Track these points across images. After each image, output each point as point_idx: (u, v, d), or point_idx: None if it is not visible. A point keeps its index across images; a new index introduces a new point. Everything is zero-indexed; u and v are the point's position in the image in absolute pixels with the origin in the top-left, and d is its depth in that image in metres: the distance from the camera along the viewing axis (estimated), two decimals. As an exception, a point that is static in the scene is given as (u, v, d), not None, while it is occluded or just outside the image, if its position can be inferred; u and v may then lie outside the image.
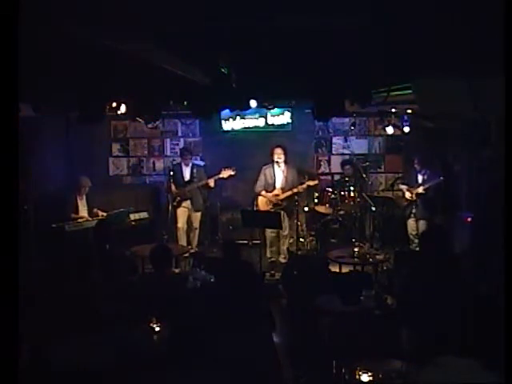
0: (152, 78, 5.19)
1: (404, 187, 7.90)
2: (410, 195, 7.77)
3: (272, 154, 7.94)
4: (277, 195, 7.91)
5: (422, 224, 7.64)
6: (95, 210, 7.70)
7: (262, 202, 8.00)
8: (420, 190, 7.65)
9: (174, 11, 3.08)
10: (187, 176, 8.20)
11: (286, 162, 7.97)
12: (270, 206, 7.89)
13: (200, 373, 3.69)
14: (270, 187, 7.97)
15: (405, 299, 4.65)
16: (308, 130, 9.27)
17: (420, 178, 7.76)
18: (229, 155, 8.78)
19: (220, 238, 8.87)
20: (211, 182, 8.04)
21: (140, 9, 2.94)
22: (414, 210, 7.79)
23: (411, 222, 7.85)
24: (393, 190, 8.73)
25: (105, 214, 7.58)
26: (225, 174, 8.02)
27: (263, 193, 8.00)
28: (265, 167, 8.06)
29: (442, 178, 7.50)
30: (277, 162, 7.90)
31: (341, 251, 6.79)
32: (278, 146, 7.95)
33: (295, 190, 7.75)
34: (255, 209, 8.16)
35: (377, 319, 4.62)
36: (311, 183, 7.89)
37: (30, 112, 6.20)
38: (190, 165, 8.26)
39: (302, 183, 7.85)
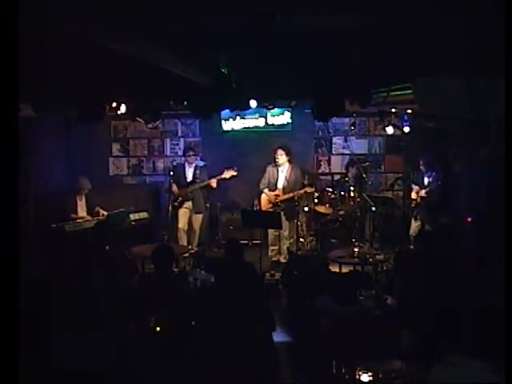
0: (152, 78, 5.18)
1: (416, 188, 7.87)
2: (415, 196, 7.76)
3: (274, 155, 7.97)
4: (277, 195, 7.95)
5: (424, 225, 7.63)
6: (97, 208, 7.69)
7: (264, 200, 8.12)
8: (423, 192, 7.65)
9: (174, 11, 3.08)
10: (190, 176, 8.19)
11: (290, 162, 8.01)
12: (270, 205, 7.95)
13: (200, 372, 3.69)
14: (272, 186, 8.06)
15: (405, 299, 4.65)
16: (308, 129, 9.27)
17: (426, 180, 7.75)
18: (229, 155, 8.78)
19: (220, 237, 8.87)
20: (213, 183, 8.01)
21: (140, 9, 2.94)
22: (418, 212, 7.78)
23: (414, 224, 7.84)
24: (393, 189, 8.73)
25: (106, 213, 7.59)
26: (227, 174, 8.02)
27: (265, 191, 8.09)
28: (269, 166, 8.11)
29: (439, 182, 7.54)
30: (277, 162, 7.94)
31: (341, 251, 6.79)
32: (279, 148, 7.99)
33: (292, 195, 7.81)
34: (257, 205, 8.25)
35: (377, 319, 4.61)
36: (308, 190, 7.92)
37: (30, 112, 6.20)
38: (194, 165, 8.24)
39: (302, 185, 7.90)
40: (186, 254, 7.62)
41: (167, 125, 9.42)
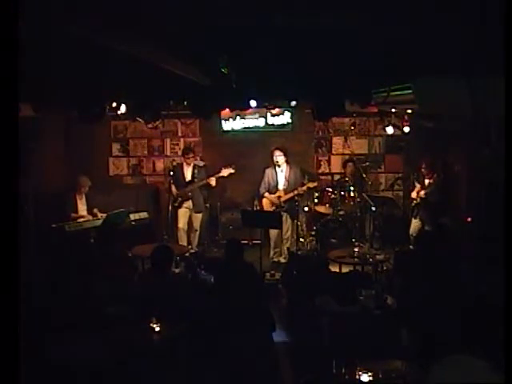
0: (152, 78, 5.18)
1: (418, 186, 7.87)
2: (415, 195, 7.77)
3: (272, 156, 7.97)
4: (279, 197, 7.95)
5: (424, 225, 7.63)
6: (95, 210, 7.69)
7: (266, 204, 8.11)
8: (422, 193, 7.65)
9: (173, 11, 3.08)
10: (188, 176, 8.19)
11: (287, 162, 8.00)
12: (273, 208, 7.94)
13: (200, 372, 3.70)
14: (272, 189, 8.04)
15: (405, 299, 4.65)
16: (308, 130, 9.27)
17: (426, 181, 7.76)
18: (229, 155, 8.78)
19: (220, 237, 8.87)
20: (212, 181, 8.03)
21: (140, 9, 2.94)
22: (418, 211, 7.78)
23: (414, 223, 7.84)
24: (393, 189, 8.73)
25: (104, 215, 7.57)
26: (225, 172, 8.03)
27: (266, 194, 8.08)
28: (267, 169, 8.10)
29: (439, 182, 7.55)
30: (276, 163, 7.94)
31: (341, 251, 6.79)
32: (276, 149, 8.02)
33: (296, 192, 7.80)
34: (259, 208, 8.23)
35: (377, 319, 4.62)
36: (311, 185, 7.92)
37: (30, 112, 6.20)
38: (192, 165, 8.25)
39: (302, 184, 7.90)
40: (186, 254, 7.62)
41: (167, 125, 9.40)
